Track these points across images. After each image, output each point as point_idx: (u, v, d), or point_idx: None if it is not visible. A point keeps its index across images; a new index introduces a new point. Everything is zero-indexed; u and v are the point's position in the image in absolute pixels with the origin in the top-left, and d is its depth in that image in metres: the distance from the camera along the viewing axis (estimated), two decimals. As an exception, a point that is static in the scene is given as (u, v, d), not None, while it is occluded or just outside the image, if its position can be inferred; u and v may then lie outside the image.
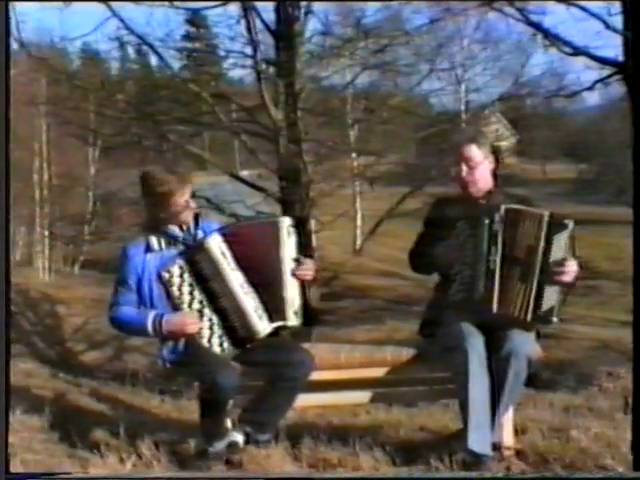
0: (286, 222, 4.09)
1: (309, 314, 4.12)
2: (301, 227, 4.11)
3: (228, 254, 3.99)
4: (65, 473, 3.92)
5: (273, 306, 4.04)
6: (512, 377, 3.82)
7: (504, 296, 3.86)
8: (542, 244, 3.85)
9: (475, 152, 4.12)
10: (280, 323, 4.05)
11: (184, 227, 4.09)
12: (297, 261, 4.07)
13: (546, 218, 3.85)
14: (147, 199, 4.11)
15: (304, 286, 4.10)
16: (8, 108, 3.89)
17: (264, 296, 4.02)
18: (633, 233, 3.98)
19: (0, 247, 3.87)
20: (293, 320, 4.07)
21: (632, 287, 4.01)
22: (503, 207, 3.90)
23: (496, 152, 4.23)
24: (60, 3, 11.91)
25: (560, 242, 3.85)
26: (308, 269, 4.09)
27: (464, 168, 4.11)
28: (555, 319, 3.89)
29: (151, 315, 3.95)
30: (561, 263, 3.84)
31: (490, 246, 3.89)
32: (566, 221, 3.87)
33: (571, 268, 3.85)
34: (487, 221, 3.90)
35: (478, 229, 3.91)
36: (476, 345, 3.82)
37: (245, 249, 4.02)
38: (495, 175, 4.18)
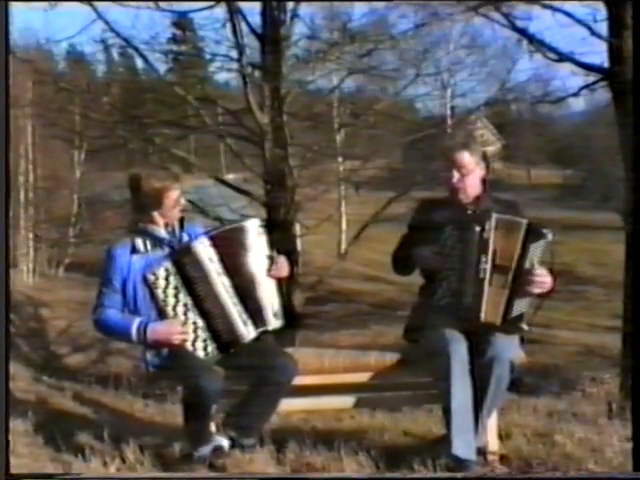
0: (254, 223, 4.08)
1: (292, 315, 4.10)
2: (275, 228, 4.09)
3: (215, 258, 3.97)
4: (65, 474, 3.91)
5: (253, 311, 4.02)
6: (494, 382, 3.82)
7: (490, 304, 3.86)
8: (518, 251, 3.85)
9: (467, 159, 4.07)
10: (264, 328, 4.03)
11: (170, 229, 4.08)
12: (271, 259, 4.05)
13: (524, 226, 3.86)
14: (137, 198, 4.08)
15: (282, 286, 4.09)
16: (8, 109, 3.87)
17: (246, 301, 4.01)
18: (633, 239, 3.99)
19: (0, 248, 3.87)
20: (273, 323, 4.04)
21: (632, 293, 4.02)
22: (494, 216, 3.89)
23: (486, 158, 4.20)
24: (45, 4, 11.83)
25: (536, 251, 3.86)
26: (281, 267, 4.06)
27: (455, 174, 4.06)
28: (525, 327, 3.90)
29: (136, 322, 3.91)
30: (531, 272, 3.85)
31: (480, 254, 3.88)
32: (544, 231, 3.87)
33: (542, 278, 3.86)
34: (478, 229, 3.88)
35: (468, 236, 3.89)
36: (459, 350, 3.82)
37: (226, 253, 4.01)
38: (484, 181, 4.16)
